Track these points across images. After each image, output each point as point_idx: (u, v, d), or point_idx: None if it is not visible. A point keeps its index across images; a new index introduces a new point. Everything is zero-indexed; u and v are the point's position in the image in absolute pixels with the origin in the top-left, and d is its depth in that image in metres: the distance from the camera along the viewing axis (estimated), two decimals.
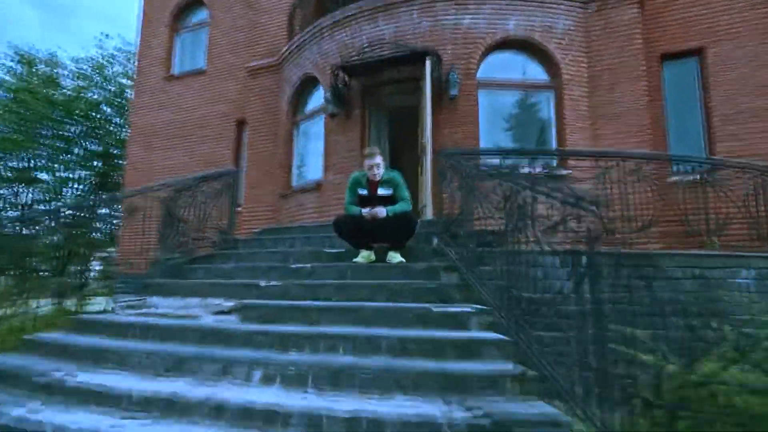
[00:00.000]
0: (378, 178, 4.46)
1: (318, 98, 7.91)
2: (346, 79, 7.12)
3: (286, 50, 8.55)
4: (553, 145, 6.83)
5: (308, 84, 8.22)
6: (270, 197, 8.47)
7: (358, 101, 7.16)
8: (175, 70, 11.00)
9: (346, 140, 7.11)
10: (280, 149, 8.44)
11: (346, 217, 4.48)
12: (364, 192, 4.54)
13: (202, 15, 11.00)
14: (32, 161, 16.88)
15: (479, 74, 6.73)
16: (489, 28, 6.75)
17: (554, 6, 6.87)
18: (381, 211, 4.32)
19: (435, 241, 4.69)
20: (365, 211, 4.38)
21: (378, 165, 4.47)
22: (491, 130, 6.89)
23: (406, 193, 4.51)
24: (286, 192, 8.06)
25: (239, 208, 9.04)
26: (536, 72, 7.01)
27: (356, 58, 6.77)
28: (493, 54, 6.94)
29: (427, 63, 6.06)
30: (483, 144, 6.58)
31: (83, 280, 7.16)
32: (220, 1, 10.57)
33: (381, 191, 4.49)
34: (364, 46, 6.79)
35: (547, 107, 6.96)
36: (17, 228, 6.06)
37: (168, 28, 11.12)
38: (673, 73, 7.35)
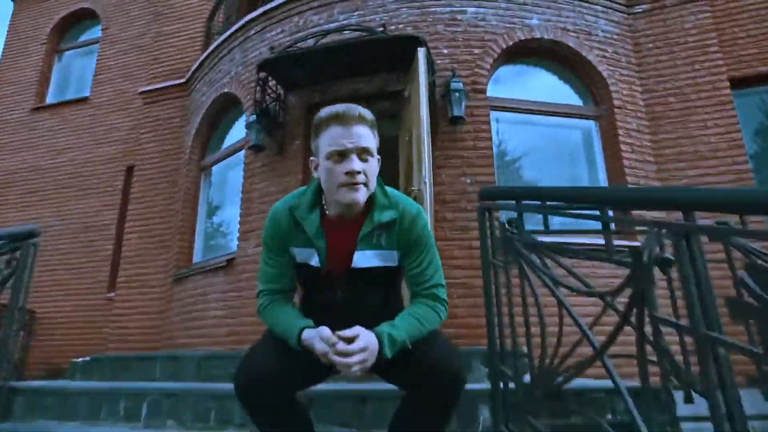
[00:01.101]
0: (358, 209, 1.32)
1: (239, 130, 5.20)
2: (281, 92, 4.49)
3: (197, 65, 5.89)
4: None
5: (225, 109, 5.52)
6: (160, 280, 5.43)
7: (299, 127, 4.49)
8: (50, 99, 8.03)
9: (278, 188, 4.33)
10: (179, 206, 5.53)
11: (264, 359, 1.29)
12: (309, 258, 1.36)
13: (94, 31, 8.27)
14: None
15: (490, 90, 4.32)
16: (503, 24, 4.44)
17: (587, 2, 4.72)
18: (367, 345, 1.15)
19: (484, 419, 1.89)
20: (322, 335, 1.17)
21: (367, 157, 1.28)
22: (508, 174, 4.40)
23: (439, 274, 1.39)
24: (184, 272, 5.06)
25: (112, 294, 5.90)
26: (568, 92, 4.70)
27: (295, 48, 4.16)
28: (509, 64, 4.60)
29: (420, 57, 3.54)
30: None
31: None
32: (119, 13, 7.92)
33: (363, 257, 1.33)
34: (308, 37, 4.21)
35: (588, 144, 4.60)
36: None
37: (45, 46, 8.25)
38: (745, 104, 5.29)
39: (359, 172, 1.21)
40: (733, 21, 4.95)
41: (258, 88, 4.27)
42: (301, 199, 1.34)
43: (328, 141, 1.24)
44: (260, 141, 4.30)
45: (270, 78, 4.37)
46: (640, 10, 4.87)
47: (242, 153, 4.92)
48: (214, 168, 5.61)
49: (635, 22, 4.85)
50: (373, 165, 1.28)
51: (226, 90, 5.21)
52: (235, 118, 5.38)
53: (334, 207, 1.31)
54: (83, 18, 8.40)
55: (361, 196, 1.23)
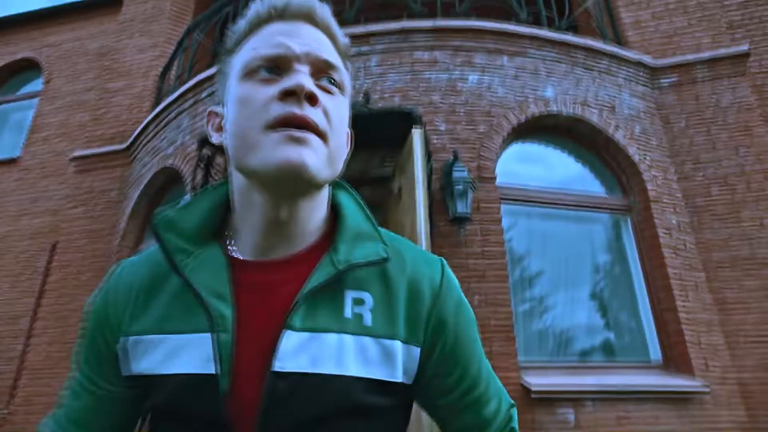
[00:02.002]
0: (301, 211, 0.61)
1: None
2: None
3: (140, 129, 4.90)
4: (643, 317, 3.44)
5: (168, 186, 4.50)
6: None
7: None
8: None
9: None
10: None
11: None
12: (187, 362, 0.56)
13: (37, 83, 7.28)
14: None
15: (500, 177, 3.41)
16: (513, 95, 3.60)
17: (608, 72, 3.96)
18: None
19: None
20: None
21: (329, 83, 0.60)
22: (524, 285, 3.43)
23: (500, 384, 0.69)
24: None
25: (5, 412, 4.59)
26: (590, 178, 3.84)
27: None
28: (519, 142, 3.74)
29: (416, 141, 2.60)
30: (521, 334, 3.03)
31: None
32: (65, 65, 6.97)
33: (316, 348, 0.56)
34: None
35: (618, 244, 3.69)
36: None
37: None
38: None
39: (312, 97, 0.55)
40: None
41: (198, 168, 3.27)
42: (182, 216, 0.63)
43: (253, 44, 0.60)
44: None
45: (216, 155, 3.39)
46: (667, 83, 4.13)
47: None
48: None
49: (662, 97, 4.10)
50: (341, 107, 0.61)
51: (169, 162, 4.21)
52: (179, 197, 4.35)
53: (250, 220, 0.60)
54: (27, 68, 7.43)
55: (311, 156, 0.54)
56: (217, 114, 0.66)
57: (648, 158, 3.75)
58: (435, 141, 3.31)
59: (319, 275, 0.57)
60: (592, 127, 3.70)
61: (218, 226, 0.64)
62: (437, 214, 3.10)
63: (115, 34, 6.18)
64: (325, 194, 0.63)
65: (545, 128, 3.72)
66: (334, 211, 0.66)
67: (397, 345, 0.58)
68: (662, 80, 4.13)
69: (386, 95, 3.50)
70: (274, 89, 0.56)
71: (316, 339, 0.54)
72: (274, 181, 0.55)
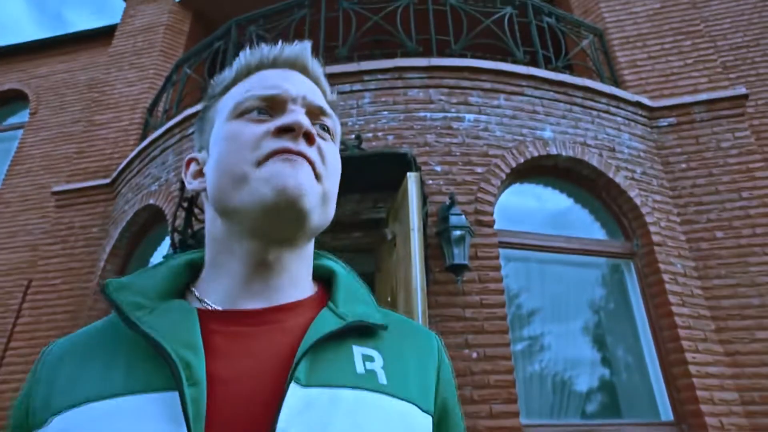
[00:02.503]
0: (294, 231, 0.54)
1: (162, 255, 3.95)
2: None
3: (124, 164, 4.73)
4: (651, 371, 3.24)
5: (150, 224, 4.31)
6: None
7: None
8: None
9: None
10: None
11: None
12: (145, 424, 0.43)
13: (23, 114, 7.13)
14: None
15: (498, 222, 3.26)
16: (511, 135, 3.49)
17: (606, 112, 3.88)
18: None
19: None
20: None
21: (321, 128, 0.59)
22: (524, 336, 3.24)
23: None
24: None
25: None
26: (591, 222, 3.71)
27: None
28: (516, 183, 3.61)
29: (411, 187, 2.44)
30: (521, 390, 2.83)
31: None
32: (53, 96, 6.84)
33: (327, 401, 0.46)
34: None
35: (621, 290, 3.53)
36: None
37: None
38: None
39: (309, 135, 0.53)
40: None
41: (181, 209, 3.09)
42: (137, 279, 0.54)
43: (244, 88, 0.58)
44: None
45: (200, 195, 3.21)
46: (666, 124, 4.05)
47: None
48: None
49: (661, 137, 4.01)
50: (335, 153, 0.59)
51: (151, 201, 4.02)
52: (161, 237, 4.15)
53: (229, 267, 0.54)
54: (13, 99, 7.30)
55: (309, 184, 0.51)
56: (197, 161, 0.61)
57: (650, 201, 3.63)
58: (430, 183, 3.16)
59: (325, 325, 0.50)
60: (593, 169, 3.58)
61: (181, 288, 0.55)
62: (433, 259, 2.92)
63: (105, 66, 6.10)
64: (311, 248, 0.59)
65: (544, 170, 3.59)
66: (322, 278, 0.61)
67: (415, 410, 0.50)
68: (661, 121, 4.06)
69: (379, 134, 3.37)
70: (269, 125, 0.53)
71: (328, 396, 0.45)
72: (266, 215, 0.49)
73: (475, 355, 2.73)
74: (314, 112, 0.57)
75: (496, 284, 2.96)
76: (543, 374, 3.12)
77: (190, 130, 3.99)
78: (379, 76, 3.56)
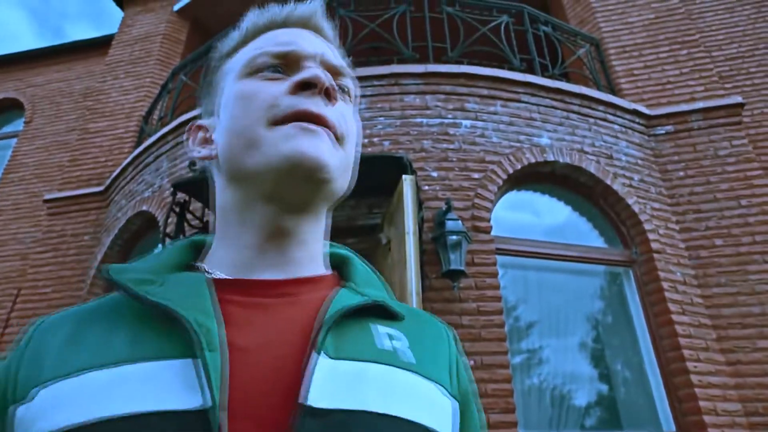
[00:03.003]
0: (315, 195, 0.50)
1: None
2: (208, 220, 3.27)
3: (118, 172, 4.68)
4: (651, 380, 3.17)
5: (143, 231, 4.25)
6: None
7: None
8: None
9: None
10: None
11: None
12: (158, 392, 0.38)
13: (18, 123, 7.09)
14: None
15: (495, 229, 3.21)
16: (507, 142, 3.46)
17: (604, 120, 3.87)
18: None
19: None
20: None
21: (337, 88, 0.53)
22: (521, 346, 3.17)
23: None
24: None
25: None
26: (589, 230, 3.67)
27: None
28: (513, 190, 3.58)
29: (407, 190, 2.40)
30: (519, 399, 2.76)
31: None
32: (48, 105, 6.81)
33: (352, 375, 0.43)
34: None
35: (620, 298, 3.48)
36: None
37: None
38: None
39: (330, 92, 0.49)
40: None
41: (172, 213, 3.03)
42: (144, 262, 0.50)
43: (254, 46, 0.54)
44: None
45: (192, 200, 3.16)
46: (663, 132, 4.04)
47: None
48: None
49: (659, 145, 4.00)
50: (353, 116, 0.55)
51: (144, 207, 3.97)
52: (154, 245, 4.09)
53: (241, 238, 0.50)
54: (8, 107, 7.27)
55: (328, 151, 0.47)
56: (203, 127, 0.57)
57: (648, 208, 3.60)
58: (426, 188, 3.12)
59: (347, 300, 0.46)
60: (590, 176, 3.56)
61: (188, 265, 0.52)
62: (428, 265, 2.87)
63: (101, 75, 6.08)
64: (326, 223, 0.55)
65: (541, 176, 3.56)
66: (335, 265, 0.57)
67: (442, 391, 0.47)
68: (658, 129, 4.05)
69: (375, 140, 3.34)
70: (285, 83, 0.49)
71: (357, 369, 0.42)
72: (282, 180, 0.46)
73: (472, 363, 2.66)
74: (332, 72, 0.53)
75: (493, 291, 2.90)
76: (542, 384, 3.05)
77: (185, 137, 3.95)
78: (375, 83, 3.54)
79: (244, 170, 0.47)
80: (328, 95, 0.48)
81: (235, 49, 0.56)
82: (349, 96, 0.55)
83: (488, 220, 3.14)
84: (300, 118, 0.46)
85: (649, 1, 4.78)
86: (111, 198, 4.76)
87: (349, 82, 0.56)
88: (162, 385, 0.37)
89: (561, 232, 3.52)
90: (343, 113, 0.51)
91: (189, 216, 3.13)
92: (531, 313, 3.32)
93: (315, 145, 0.46)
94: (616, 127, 3.90)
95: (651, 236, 3.45)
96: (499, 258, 3.13)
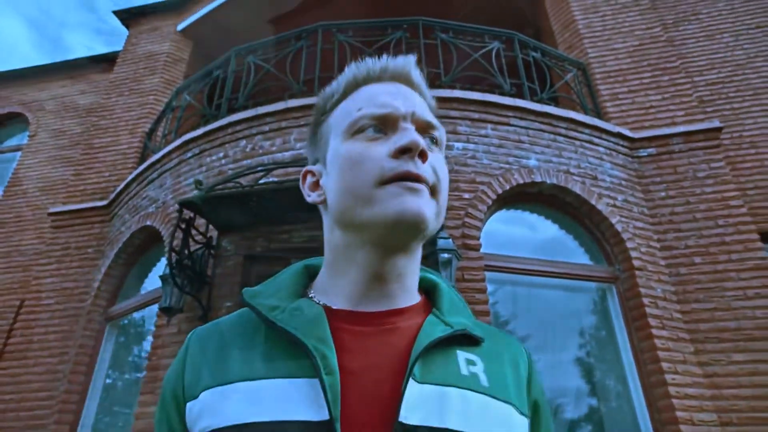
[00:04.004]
0: (413, 237, 0.61)
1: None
2: (213, 235, 3.42)
3: (122, 187, 4.84)
4: (633, 391, 3.33)
5: (146, 245, 4.39)
6: None
7: (232, 282, 3.35)
8: None
9: None
10: (68, 368, 4.12)
11: None
12: (290, 409, 0.52)
13: (23, 137, 7.24)
14: None
15: (484, 246, 3.39)
16: (497, 164, 3.65)
17: (589, 143, 4.07)
18: None
19: None
20: None
21: (432, 144, 0.65)
22: None
23: None
24: None
25: None
26: (575, 247, 3.85)
27: (224, 186, 3.11)
28: (502, 210, 3.76)
29: None
30: None
31: None
32: (52, 119, 6.97)
33: (442, 400, 0.54)
34: (258, 168, 3.18)
35: (604, 313, 3.65)
36: None
37: None
38: None
39: (423, 153, 0.58)
40: (750, 170, 4.40)
41: (179, 230, 3.19)
42: (266, 286, 0.65)
43: (355, 105, 0.62)
44: (173, 303, 3.12)
45: (197, 217, 3.32)
46: (646, 154, 4.25)
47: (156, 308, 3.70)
48: (126, 320, 4.32)
49: (641, 167, 4.20)
50: (444, 163, 0.63)
51: (148, 222, 4.12)
52: (157, 259, 4.23)
53: (349, 275, 0.61)
54: (13, 121, 7.42)
55: (427, 206, 0.57)
56: (313, 173, 0.67)
57: (631, 227, 3.78)
58: None
59: (434, 330, 0.58)
60: (576, 196, 3.74)
61: (302, 290, 0.65)
62: None
63: (105, 91, 6.26)
64: (420, 255, 0.64)
65: (529, 196, 3.75)
66: (425, 290, 0.68)
67: (513, 411, 0.57)
68: (641, 151, 4.25)
69: None
70: (387, 147, 0.58)
71: (440, 392, 0.53)
72: (390, 231, 0.56)
73: None
74: (423, 127, 0.61)
75: (482, 306, 3.06)
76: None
77: (189, 155, 4.12)
78: None
79: (358, 221, 0.57)
80: (422, 156, 0.57)
81: (337, 103, 0.65)
82: (438, 145, 0.64)
83: (478, 238, 3.32)
84: (403, 179, 0.56)
85: (634, 29, 5.03)
86: (115, 212, 4.90)
87: (438, 134, 0.64)
88: (293, 399, 0.51)
89: (548, 250, 3.70)
90: (435, 165, 0.60)
91: (194, 232, 3.29)
92: (519, 327, 3.48)
93: (416, 202, 0.55)
94: (601, 149, 4.10)
95: (633, 254, 3.63)
96: (488, 274, 3.30)
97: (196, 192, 3.11)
